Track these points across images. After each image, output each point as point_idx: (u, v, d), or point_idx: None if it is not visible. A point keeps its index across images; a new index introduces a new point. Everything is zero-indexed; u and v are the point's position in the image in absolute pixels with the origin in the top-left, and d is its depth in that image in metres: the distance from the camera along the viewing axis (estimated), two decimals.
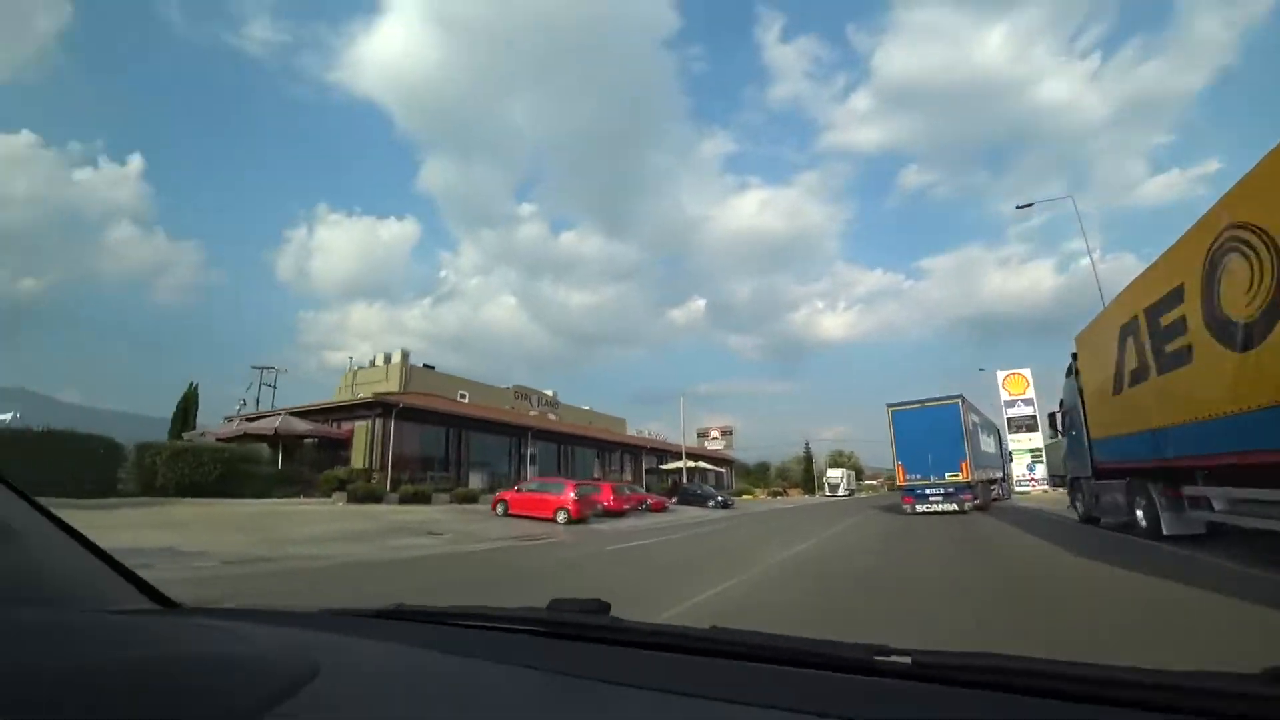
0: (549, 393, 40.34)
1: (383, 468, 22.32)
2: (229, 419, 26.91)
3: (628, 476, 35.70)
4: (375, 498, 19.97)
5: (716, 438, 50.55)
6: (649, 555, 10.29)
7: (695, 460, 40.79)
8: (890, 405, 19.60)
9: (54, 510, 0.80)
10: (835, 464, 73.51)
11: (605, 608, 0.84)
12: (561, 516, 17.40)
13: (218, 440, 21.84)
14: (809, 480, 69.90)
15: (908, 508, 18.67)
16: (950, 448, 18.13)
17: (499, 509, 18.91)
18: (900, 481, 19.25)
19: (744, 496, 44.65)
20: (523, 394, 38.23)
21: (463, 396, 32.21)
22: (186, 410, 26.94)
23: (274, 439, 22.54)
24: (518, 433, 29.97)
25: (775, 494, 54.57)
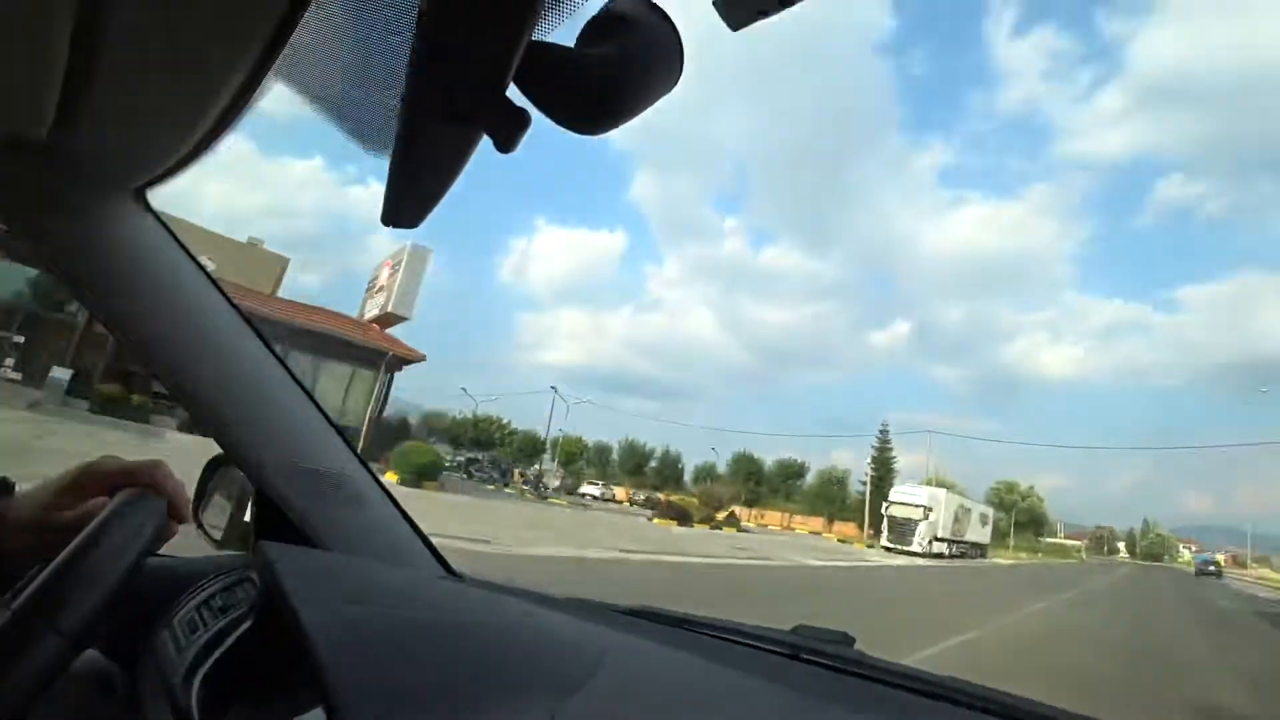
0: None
1: None
2: None
3: None
4: None
5: (383, 290, 22.23)
6: None
7: None
8: None
9: None
10: (955, 487, 41.08)
11: (850, 640, 0.87)
12: None
13: None
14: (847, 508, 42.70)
15: None
16: None
17: None
18: None
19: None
20: None
21: None
22: None
23: None
24: None
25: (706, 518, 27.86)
